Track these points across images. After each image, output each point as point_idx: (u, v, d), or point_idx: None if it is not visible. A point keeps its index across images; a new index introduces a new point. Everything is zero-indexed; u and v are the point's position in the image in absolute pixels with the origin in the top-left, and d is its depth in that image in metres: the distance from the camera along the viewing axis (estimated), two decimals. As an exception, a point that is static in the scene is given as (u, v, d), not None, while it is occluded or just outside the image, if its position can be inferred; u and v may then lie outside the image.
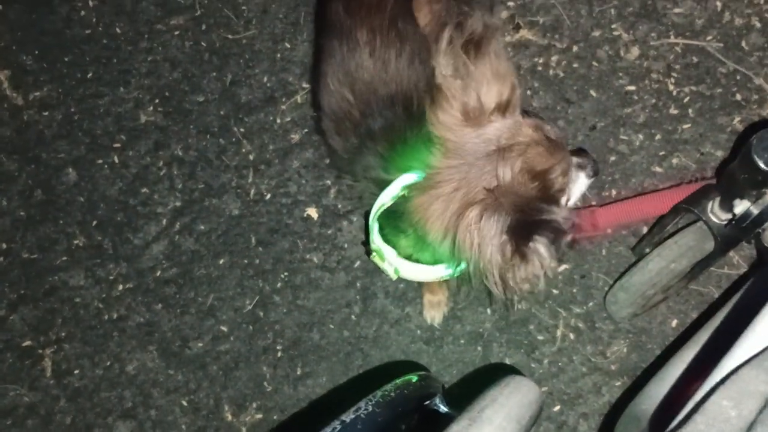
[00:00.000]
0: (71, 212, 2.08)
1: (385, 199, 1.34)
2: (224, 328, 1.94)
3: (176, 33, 2.21)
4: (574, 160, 1.34)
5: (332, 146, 1.59)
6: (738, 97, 1.97)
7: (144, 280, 2.00)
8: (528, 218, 1.13)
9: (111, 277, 2.01)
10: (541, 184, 1.17)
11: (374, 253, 1.45)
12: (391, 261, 1.42)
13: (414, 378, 1.30)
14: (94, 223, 2.06)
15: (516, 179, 1.15)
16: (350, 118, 1.51)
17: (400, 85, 1.50)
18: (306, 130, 2.06)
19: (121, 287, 2.00)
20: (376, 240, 1.42)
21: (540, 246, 1.14)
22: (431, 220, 1.23)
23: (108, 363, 1.95)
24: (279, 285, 1.96)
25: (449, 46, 1.18)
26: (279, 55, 2.15)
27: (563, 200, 1.26)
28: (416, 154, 1.31)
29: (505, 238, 1.13)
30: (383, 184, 1.36)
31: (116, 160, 2.11)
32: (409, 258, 1.41)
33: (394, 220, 1.36)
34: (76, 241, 2.05)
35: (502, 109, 1.21)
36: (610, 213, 1.80)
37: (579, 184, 1.36)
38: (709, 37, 2.03)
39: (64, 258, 2.04)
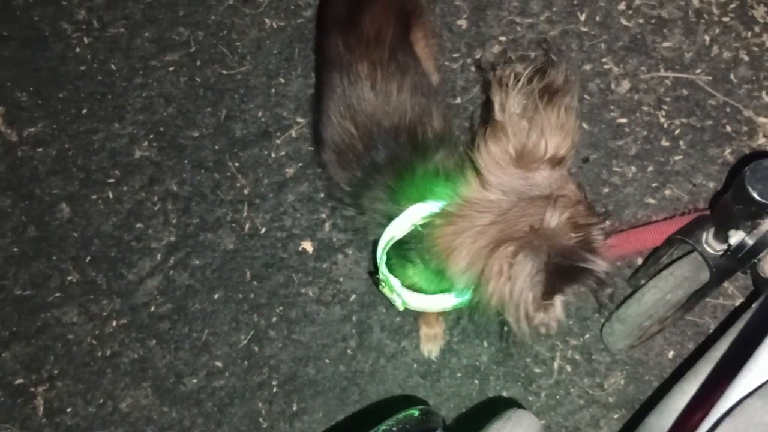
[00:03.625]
0: (65, 248, 2.07)
1: (396, 231, 1.33)
2: (219, 364, 1.92)
3: (171, 69, 2.22)
4: None
5: (334, 179, 1.59)
6: (728, 129, 1.99)
7: (138, 316, 1.98)
8: (569, 264, 1.11)
9: (104, 314, 1.99)
10: (583, 237, 1.15)
11: (383, 284, 1.44)
12: (397, 291, 1.41)
13: (415, 412, 1.29)
14: (88, 258, 2.05)
15: (560, 227, 1.14)
16: (354, 151, 1.52)
17: (403, 117, 1.51)
18: (301, 164, 2.07)
19: (114, 323, 1.98)
20: (384, 271, 1.42)
21: (562, 297, 1.14)
22: (457, 250, 1.20)
23: (101, 400, 1.93)
24: (274, 319, 1.95)
25: (525, 87, 1.16)
26: (273, 90, 2.17)
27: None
28: (426, 184, 1.31)
29: (540, 278, 1.11)
30: (391, 215, 1.36)
31: (110, 195, 2.10)
32: (412, 287, 1.41)
33: (403, 250, 1.36)
34: (69, 277, 2.04)
35: (555, 162, 1.19)
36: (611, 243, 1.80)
37: None
38: (698, 71, 2.06)
39: (58, 294, 2.02)
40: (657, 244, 1.70)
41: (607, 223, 1.29)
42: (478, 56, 2.13)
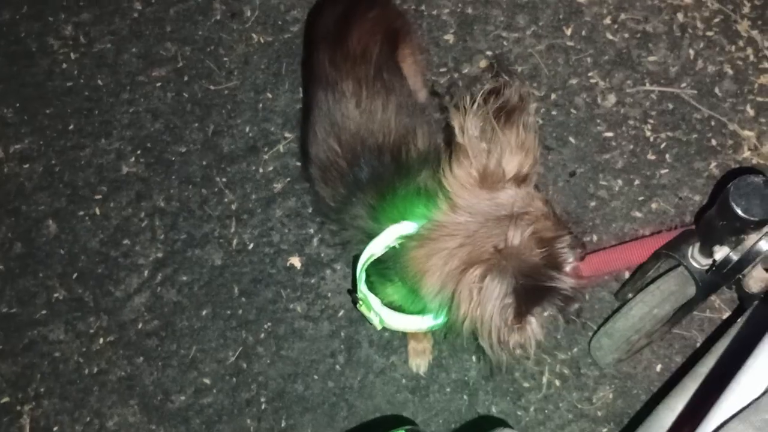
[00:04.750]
0: (51, 265, 2.05)
1: (375, 249, 1.34)
2: (207, 381, 1.91)
3: (158, 84, 2.22)
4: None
5: (319, 194, 1.59)
6: (713, 142, 2.00)
7: (125, 333, 1.97)
8: (535, 283, 1.12)
9: (91, 331, 1.98)
10: (548, 252, 1.16)
11: (361, 302, 1.44)
12: (376, 310, 1.41)
13: (402, 432, 1.29)
14: (75, 275, 2.04)
15: (524, 244, 1.15)
16: (337, 168, 1.52)
17: (387, 136, 1.51)
18: (288, 179, 2.07)
19: (101, 341, 1.97)
20: (363, 289, 1.42)
21: (537, 316, 1.14)
22: (429, 273, 1.21)
23: (88, 419, 1.91)
24: (262, 336, 1.94)
25: (481, 108, 1.17)
26: (261, 105, 2.17)
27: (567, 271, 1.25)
28: (407, 204, 1.31)
29: (509, 301, 1.12)
30: (371, 233, 1.36)
31: (97, 211, 2.10)
32: (392, 305, 1.41)
33: (382, 268, 1.36)
34: (56, 294, 2.02)
35: (519, 180, 1.20)
36: (594, 262, 1.81)
37: None
38: (684, 84, 2.08)
39: (44, 312, 2.01)
40: (643, 260, 1.70)
41: (582, 238, 1.29)
42: (465, 71, 2.14)
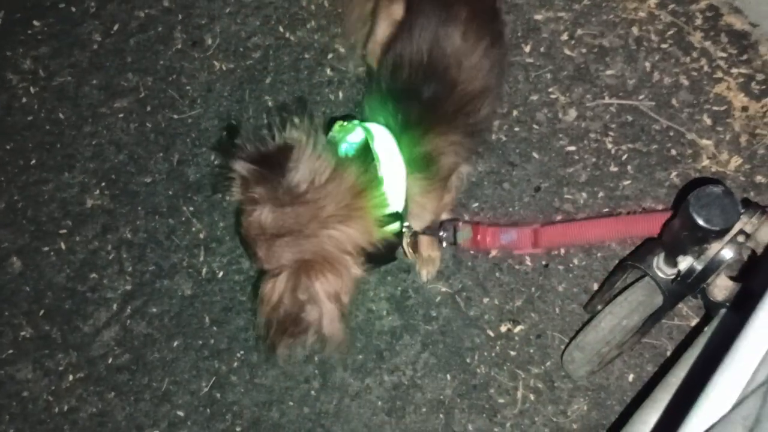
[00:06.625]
0: (17, 303, 2.02)
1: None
2: (181, 413, 1.89)
3: (120, 115, 2.20)
4: None
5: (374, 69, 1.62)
6: (673, 152, 2.04)
7: (95, 369, 1.94)
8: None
9: (60, 368, 1.95)
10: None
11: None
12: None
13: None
14: (41, 312, 2.01)
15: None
16: (411, 70, 1.49)
17: (469, 82, 1.49)
18: (256, 206, 2.06)
19: (71, 378, 1.94)
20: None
21: None
22: None
23: (60, 458, 1.88)
24: (235, 364, 1.92)
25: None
26: (225, 133, 2.16)
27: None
28: (411, 142, 1.42)
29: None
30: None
31: (63, 246, 2.07)
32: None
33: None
34: (22, 333, 1.99)
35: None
36: (553, 233, 1.81)
37: None
38: (641, 96, 2.11)
39: (11, 351, 1.97)
40: (604, 240, 1.73)
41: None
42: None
